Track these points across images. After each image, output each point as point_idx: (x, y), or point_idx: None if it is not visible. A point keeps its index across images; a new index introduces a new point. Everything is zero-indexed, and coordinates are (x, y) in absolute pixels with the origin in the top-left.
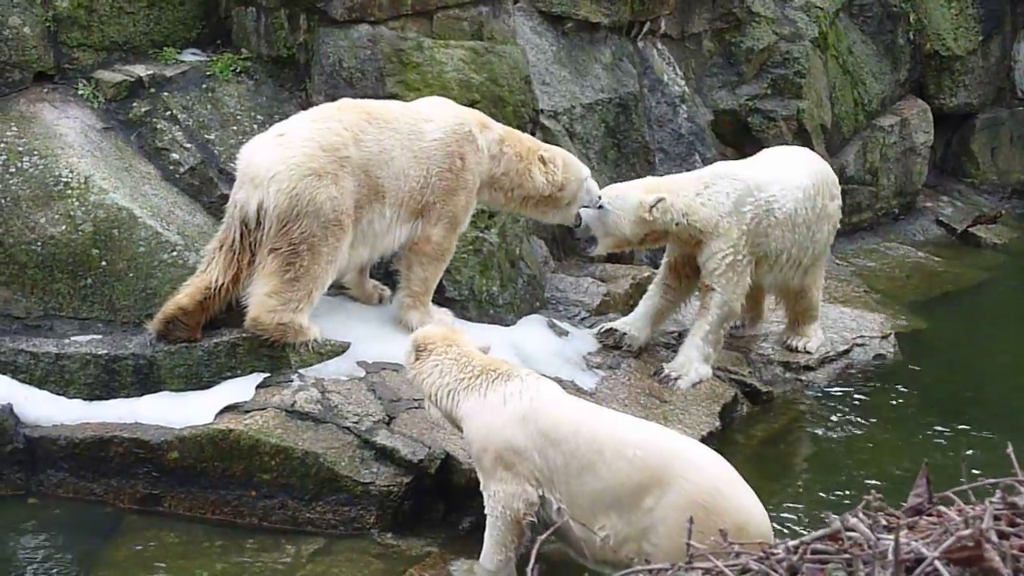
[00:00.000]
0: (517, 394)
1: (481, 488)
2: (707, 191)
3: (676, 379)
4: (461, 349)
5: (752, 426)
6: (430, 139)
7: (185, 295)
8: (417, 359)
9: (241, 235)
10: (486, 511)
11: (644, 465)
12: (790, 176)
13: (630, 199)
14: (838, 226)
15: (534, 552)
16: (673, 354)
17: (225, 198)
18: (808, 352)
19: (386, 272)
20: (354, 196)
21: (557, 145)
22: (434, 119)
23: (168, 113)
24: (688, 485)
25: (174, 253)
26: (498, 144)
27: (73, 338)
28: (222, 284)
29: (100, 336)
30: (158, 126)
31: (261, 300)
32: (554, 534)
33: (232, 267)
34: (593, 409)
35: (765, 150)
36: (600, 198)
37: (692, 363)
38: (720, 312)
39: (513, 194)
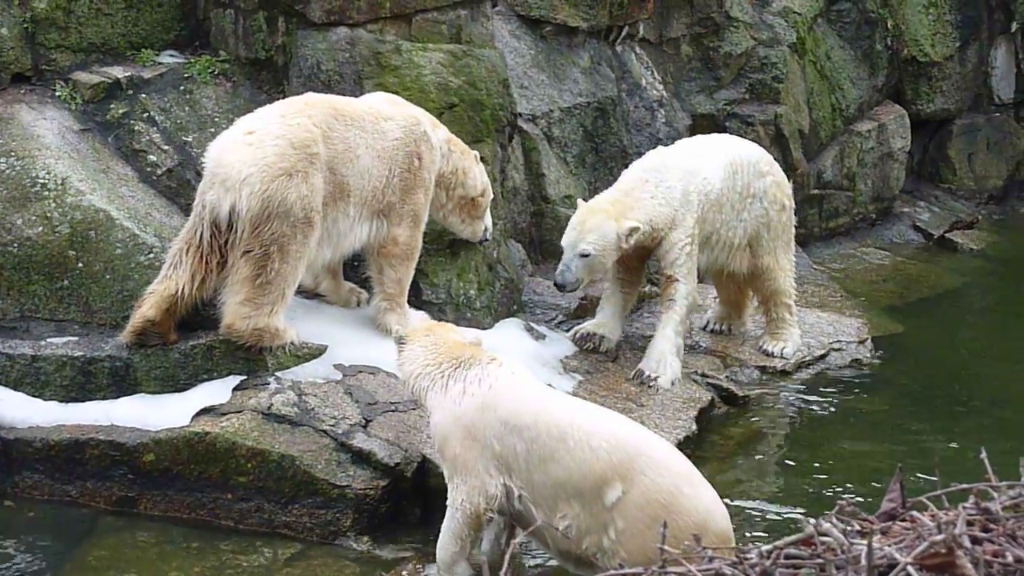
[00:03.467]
0: (476, 382)
1: (446, 480)
2: (658, 189)
3: (655, 379)
4: (435, 337)
5: (728, 430)
6: (391, 138)
7: (151, 306)
8: (400, 351)
9: (211, 236)
10: (448, 499)
11: (608, 458)
12: (711, 157)
13: (609, 237)
14: (786, 205)
15: (507, 558)
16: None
17: None
18: (785, 357)
19: (366, 278)
20: (322, 193)
21: (535, 149)
22: (393, 117)
23: (146, 115)
24: (650, 483)
25: (151, 255)
26: (446, 143)
27: (49, 340)
28: (189, 291)
29: (76, 338)
30: (135, 128)
31: (234, 308)
32: (519, 523)
33: (200, 271)
34: (555, 396)
35: (682, 139)
36: (585, 245)
37: (666, 357)
38: (686, 303)
39: (452, 193)
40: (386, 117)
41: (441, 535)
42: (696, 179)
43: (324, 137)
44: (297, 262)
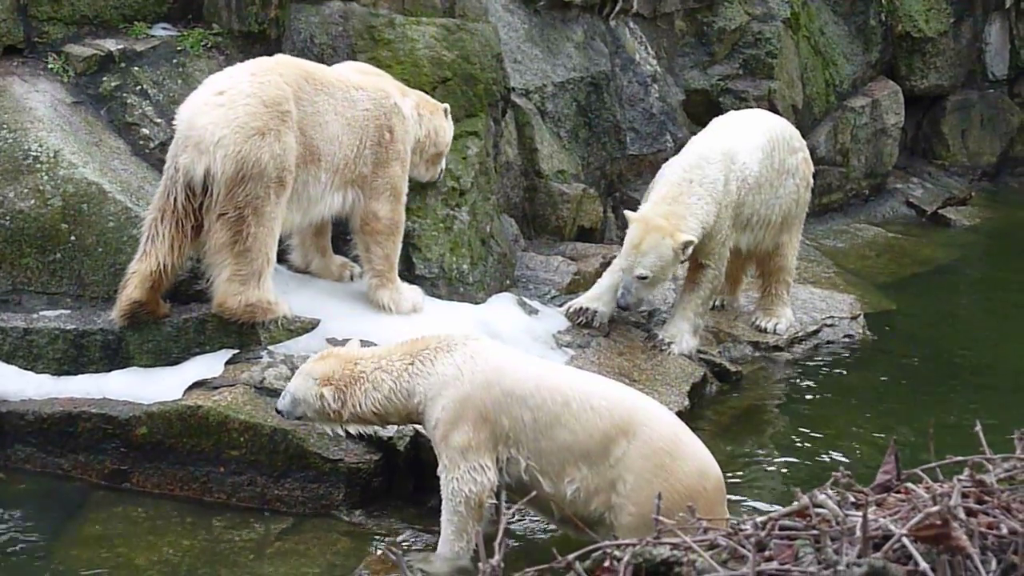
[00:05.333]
0: (470, 360)
1: (440, 471)
2: (702, 187)
3: (669, 344)
4: (367, 354)
5: (721, 405)
6: (360, 108)
7: (135, 287)
8: (337, 394)
9: (186, 199)
10: (445, 495)
11: (610, 415)
12: (748, 138)
13: (667, 256)
14: (810, 181)
15: (502, 527)
16: (643, 332)
17: None
18: (778, 333)
19: (355, 257)
20: (295, 152)
21: (528, 124)
22: (363, 87)
23: (138, 88)
24: (652, 433)
25: (143, 228)
26: (415, 108)
27: (42, 313)
28: (170, 263)
29: (69, 311)
30: (128, 101)
31: (224, 287)
32: (521, 494)
33: (177, 238)
34: (546, 363)
35: (716, 119)
36: (642, 269)
37: (683, 334)
38: (712, 286)
39: (426, 153)
40: (356, 86)
41: (444, 534)
42: (735, 165)
43: (295, 97)
44: (272, 223)
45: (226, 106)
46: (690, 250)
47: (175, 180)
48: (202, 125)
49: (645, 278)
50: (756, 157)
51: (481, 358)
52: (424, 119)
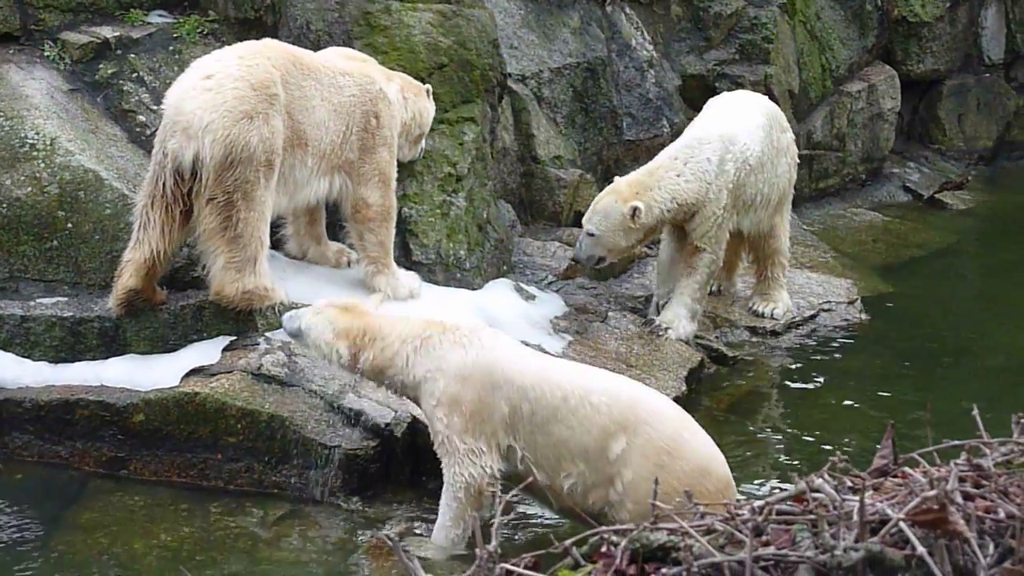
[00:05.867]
0: (476, 351)
1: (439, 455)
2: (687, 166)
3: (667, 330)
4: (383, 318)
5: (719, 390)
6: (347, 94)
7: (130, 275)
8: (358, 347)
9: (175, 184)
10: (446, 480)
11: (609, 412)
12: (748, 119)
13: (613, 218)
14: (797, 160)
15: (499, 512)
16: (641, 317)
17: None
18: (775, 318)
19: (349, 246)
20: (283, 136)
21: (525, 110)
22: (350, 73)
23: (135, 75)
24: (653, 431)
25: (135, 216)
26: (400, 91)
27: (39, 300)
28: (163, 249)
29: (66, 298)
30: (125, 88)
31: (220, 275)
32: (519, 483)
33: (169, 225)
34: (551, 358)
35: (711, 101)
36: (590, 226)
37: (680, 319)
38: (708, 270)
39: (411, 135)
40: (342, 72)
41: (441, 520)
42: (735, 147)
43: (283, 80)
44: (262, 207)
45: (214, 90)
46: (642, 218)
47: (163, 166)
48: (190, 110)
49: (592, 235)
50: (758, 137)
51: (484, 349)
52: (409, 102)
